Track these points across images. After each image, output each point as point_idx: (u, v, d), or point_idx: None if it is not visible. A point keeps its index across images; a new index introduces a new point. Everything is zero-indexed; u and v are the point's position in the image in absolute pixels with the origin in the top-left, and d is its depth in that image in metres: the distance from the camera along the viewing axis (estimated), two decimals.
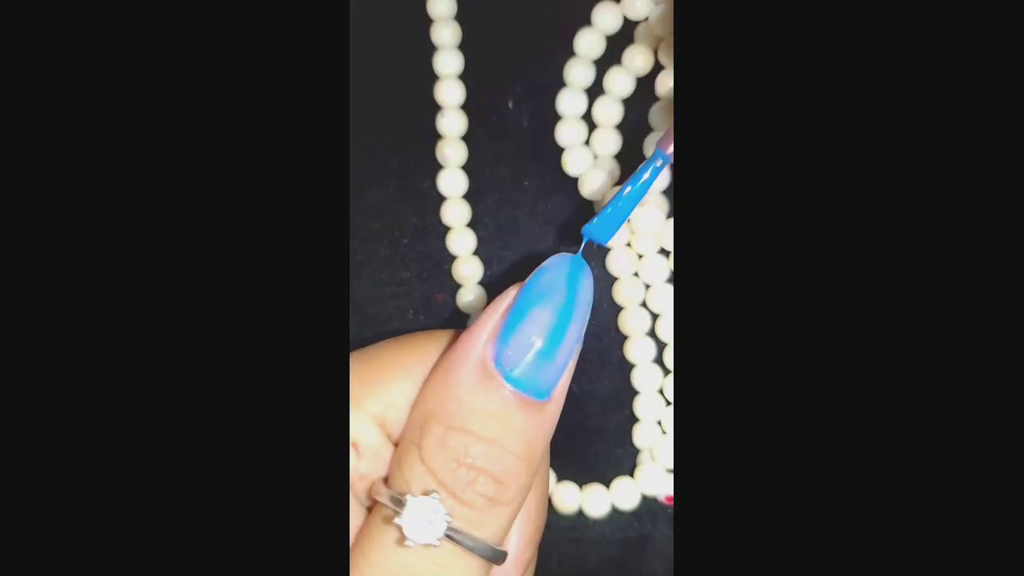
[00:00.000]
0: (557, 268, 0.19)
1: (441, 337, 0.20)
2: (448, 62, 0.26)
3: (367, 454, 0.19)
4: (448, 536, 0.18)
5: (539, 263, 0.20)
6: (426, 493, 0.18)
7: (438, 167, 0.27)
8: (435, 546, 0.18)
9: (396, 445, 0.20)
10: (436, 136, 0.26)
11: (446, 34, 0.26)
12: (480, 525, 0.18)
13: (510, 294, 0.19)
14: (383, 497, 0.18)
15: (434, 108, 0.26)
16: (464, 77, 0.26)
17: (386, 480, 0.19)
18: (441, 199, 0.27)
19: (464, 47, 0.26)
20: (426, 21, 0.26)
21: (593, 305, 0.26)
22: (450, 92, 0.26)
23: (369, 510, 0.19)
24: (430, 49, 0.26)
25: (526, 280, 0.19)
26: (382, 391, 0.19)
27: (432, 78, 0.26)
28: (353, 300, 0.27)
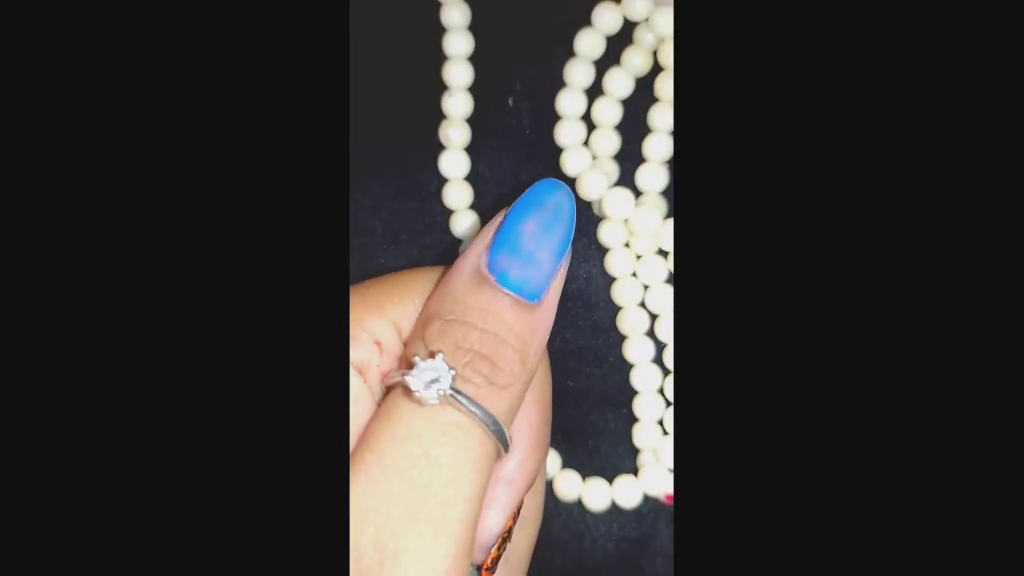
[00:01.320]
0: (541, 188, 0.22)
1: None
2: (456, 44, 0.26)
3: (388, 353, 0.22)
4: (453, 396, 0.20)
5: None
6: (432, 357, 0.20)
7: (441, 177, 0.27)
8: (439, 405, 0.20)
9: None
10: (439, 147, 0.27)
11: (456, 15, 0.26)
12: (480, 399, 0.20)
13: (502, 213, 0.22)
14: (394, 375, 0.21)
15: (438, 114, 0.27)
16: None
17: None
18: (441, 191, 0.27)
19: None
20: (437, 28, 0.26)
21: (592, 303, 0.27)
22: (457, 74, 0.26)
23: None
24: (438, 59, 0.26)
25: (515, 201, 0.22)
26: (399, 302, 0.22)
27: (438, 86, 0.27)
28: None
